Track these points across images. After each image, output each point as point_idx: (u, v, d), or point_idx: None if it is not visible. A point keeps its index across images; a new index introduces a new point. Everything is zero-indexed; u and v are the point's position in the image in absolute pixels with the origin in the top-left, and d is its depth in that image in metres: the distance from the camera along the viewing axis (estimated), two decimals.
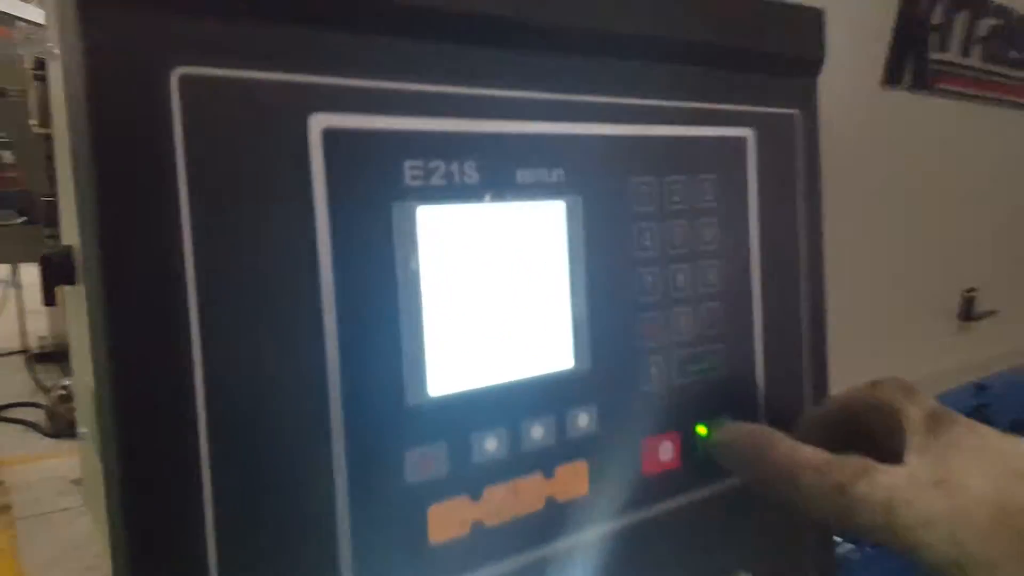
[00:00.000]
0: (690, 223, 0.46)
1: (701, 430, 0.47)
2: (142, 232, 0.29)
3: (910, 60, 0.80)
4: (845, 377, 0.55)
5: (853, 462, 0.34)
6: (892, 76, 0.80)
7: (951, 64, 0.85)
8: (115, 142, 0.28)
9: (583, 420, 0.41)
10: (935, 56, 0.83)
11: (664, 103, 0.45)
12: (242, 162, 0.31)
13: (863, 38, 0.77)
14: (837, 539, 0.59)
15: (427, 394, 0.36)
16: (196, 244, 0.30)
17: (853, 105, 0.72)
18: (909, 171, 0.83)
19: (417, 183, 0.35)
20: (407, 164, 0.35)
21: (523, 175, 0.39)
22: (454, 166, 0.36)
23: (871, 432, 0.39)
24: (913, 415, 0.35)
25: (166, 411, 0.29)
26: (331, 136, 0.33)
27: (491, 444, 0.38)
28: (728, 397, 0.48)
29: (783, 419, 0.48)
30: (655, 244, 0.44)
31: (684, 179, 0.45)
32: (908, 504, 0.32)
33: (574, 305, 0.41)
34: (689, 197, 0.46)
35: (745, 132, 0.49)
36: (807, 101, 0.54)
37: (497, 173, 0.38)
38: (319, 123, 0.32)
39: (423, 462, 0.36)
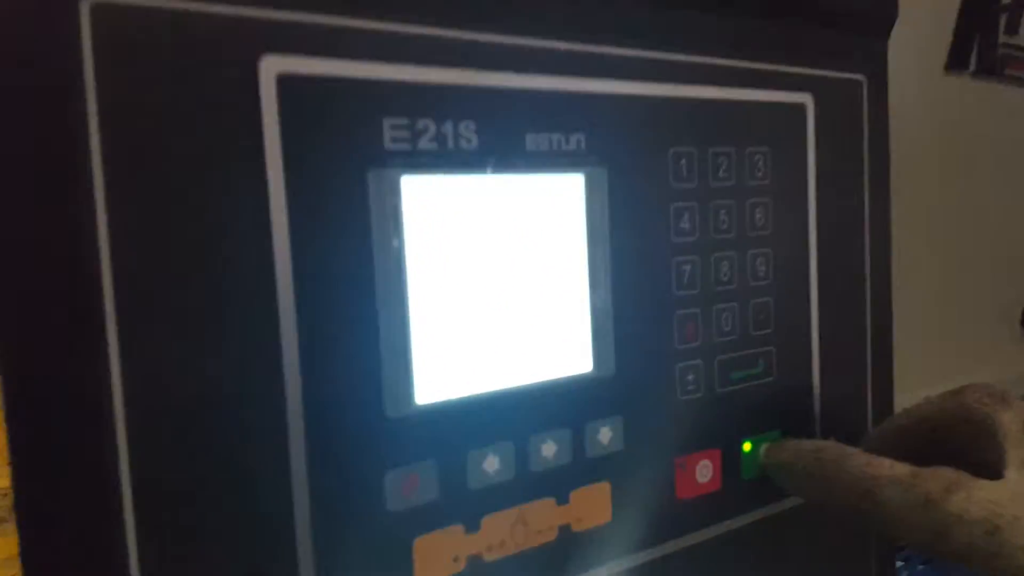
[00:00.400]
0: (738, 204, 0.39)
1: (747, 447, 0.40)
2: (41, 200, 0.23)
3: (976, 44, 0.73)
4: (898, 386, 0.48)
5: (943, 474, 0.30)
6: (956, 61, 0.73)
7: (1022, 49, 0.77)
8: (6, 86, 0.23)
9: (605, 435, 0.35)
10: (1004, 40, 0.75)
11: (710, 60, 0.38)
12: (173, 116, 0.25)
13: (924, 19, 0.70)
14: None
15: (413, 402, 0.30)
16: (112, 218, 0.24)
17: (913, 92, 0.64)
18: (972, 165, 0.75)
19: (400, 147, 0.29)
20: (387, 123, 0.28)
21: (534, 141, 0.32)
22: (447, 127, 0.30)
23: (956, 447, 0.34)
24: (1009, 424, 0.31)
25: (71, 433, 0.23)
26: (288, 84, 0.26)
27: (491, 464, 0.32)
28: (779, 408, 0.41)
29: (843, 433, 0.41)
30: (695, 227, 0.37)
31: (732, 151, 0.38)
32: (1016, 521, 0.27)
33: (594, 298, 0.34)
34: (737, 173, 0.38)
35: (804, 98, 0.42)
36: (876, 66, 0.46)
37: (501, 137, 0.31)
38: (272, 67, 0.26)
39: (407, 485, 0.30)
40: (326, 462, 0.28)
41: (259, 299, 0.26)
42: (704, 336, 0.38)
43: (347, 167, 0.28)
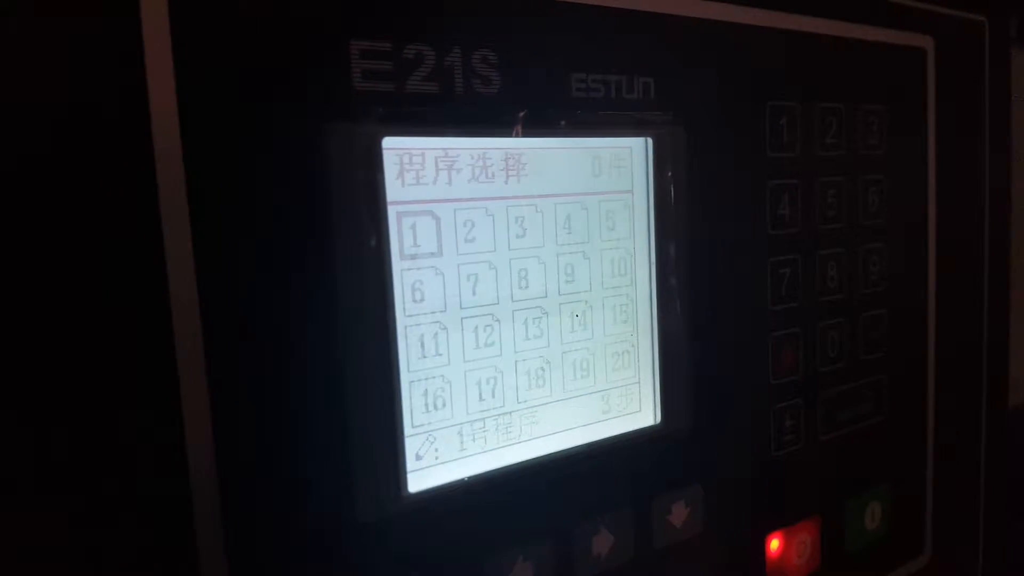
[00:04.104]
0: (848, 181, 0.28)
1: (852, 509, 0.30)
2: None
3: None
4: None
5: None
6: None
7: None
8: None
9: (678, 514, 0.24)
10: None
11: None
12: None
13: None
14: None
15: (403, 492, 0.19)
16: None
17: None
18: None
19: (379, 88, 0.18)
20: (356, 48, 0.17)
21: (583, 85, 0.21)
22: (454, 61, 0.19)
23: None
24: None
25: None
26: None
27: (520, 573, 0.21)
28: (890, 455, 0.31)
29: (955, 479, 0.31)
30: (797, 215, 0.26)
31: (841, 109, 0.28)
32: None
33: (661, 318, 0.23)
34: (848, 138, 0.28)
35: (924, 41, 0.31)
36: (997, 4, 0.35)
37: (535, 79, 0.20)
38: None
39: None
40: None
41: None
42: (806, 366, 0.27)
43: (290, 121, 0.17)
